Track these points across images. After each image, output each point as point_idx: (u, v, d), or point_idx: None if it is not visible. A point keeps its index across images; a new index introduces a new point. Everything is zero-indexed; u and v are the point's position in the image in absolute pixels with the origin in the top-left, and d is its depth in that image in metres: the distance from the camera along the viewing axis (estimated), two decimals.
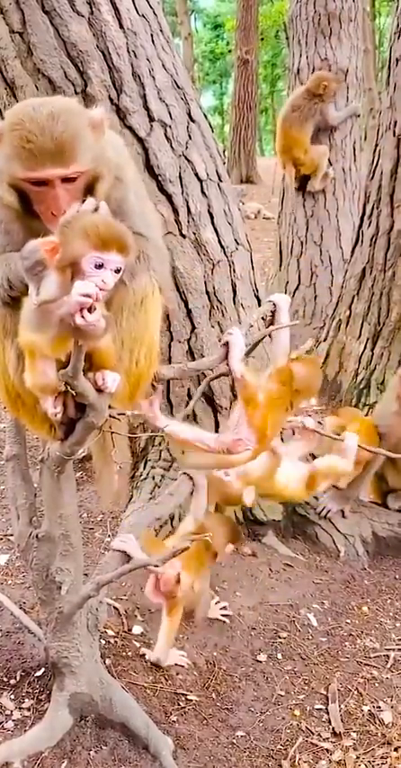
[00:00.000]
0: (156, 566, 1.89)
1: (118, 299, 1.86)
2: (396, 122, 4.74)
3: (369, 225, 4.99)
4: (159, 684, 2.50)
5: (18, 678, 2.45)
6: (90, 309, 1.51)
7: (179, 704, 2.44)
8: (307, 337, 3.38)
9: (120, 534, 2.26)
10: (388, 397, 3.57)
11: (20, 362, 1.83)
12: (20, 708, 2.34)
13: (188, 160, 3.20)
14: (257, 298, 3.48)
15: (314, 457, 2.92)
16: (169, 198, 3.16)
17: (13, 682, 2.44)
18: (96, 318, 1.52)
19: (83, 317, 1.50)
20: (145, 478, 3.38)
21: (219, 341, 3.12)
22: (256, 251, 4.00)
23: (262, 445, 2.28)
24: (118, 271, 1.57)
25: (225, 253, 3.32)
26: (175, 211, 3.18)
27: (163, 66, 3.17)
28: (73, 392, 1.72)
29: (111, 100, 3.01)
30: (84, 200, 1.66)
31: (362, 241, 5.09)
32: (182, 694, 2.48)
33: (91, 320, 1.51)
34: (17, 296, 1.78)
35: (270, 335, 2.45)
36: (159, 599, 2.48)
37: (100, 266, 1.54)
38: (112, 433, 2.20)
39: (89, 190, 1.75)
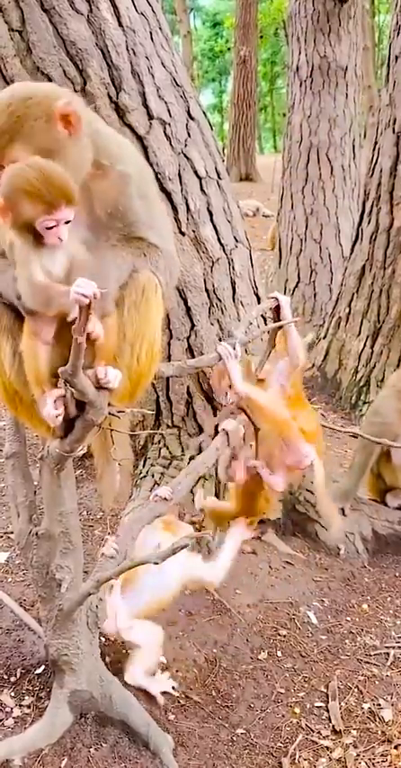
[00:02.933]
0: (156, 563, 1.88)
1: (120, 291, 1.86)
2: (395, 119, 4.75)
3: (369, 222, 4.99)
4: None
5: (18, 675, 2.46)
6: (89, 306, 1.52)
7: (179, 702, 2.44)
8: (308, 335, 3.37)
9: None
10: (387, 395, 3.57)
11: (16, 360, 1.83)
12: (20, 705, 2.35)
13: (187, 158, 3.20)
14: (257, 295, 3.48)
15: None
16: (168, 195, 3.15)
17: (13, 679, 2.44)
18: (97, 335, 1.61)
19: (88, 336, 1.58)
20: (144, 476, 3.38)
21: (219, 339, 3.13)
22: (256, 249, 4.00)
23: (319, 445, 2.30)
24: (68, 222, 1.60)
25: (224, 250, 3.32)
26: (175, 209, 3.17)
27: (162, 63, 3.16)
28: (72, 389, 1.72)
29: (110, 98, 3.01)
30: None
31: (362, 238, 5.09)
32: (182, 692, 2.48)
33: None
34: None
35: (272, 331, 2.46)
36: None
37: (52, 227, 1.58)
38: (112, 430, 2.19)
39: None
